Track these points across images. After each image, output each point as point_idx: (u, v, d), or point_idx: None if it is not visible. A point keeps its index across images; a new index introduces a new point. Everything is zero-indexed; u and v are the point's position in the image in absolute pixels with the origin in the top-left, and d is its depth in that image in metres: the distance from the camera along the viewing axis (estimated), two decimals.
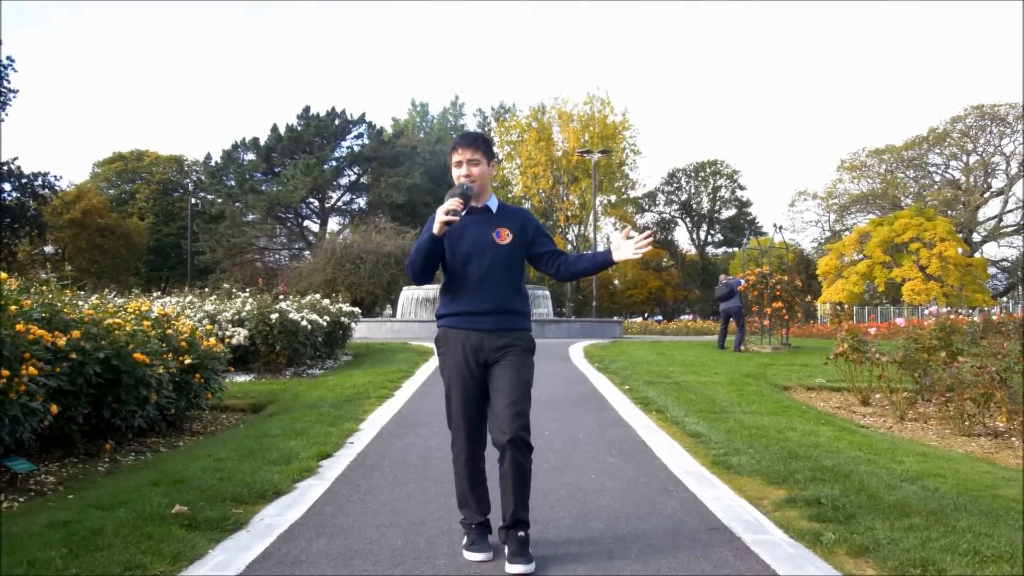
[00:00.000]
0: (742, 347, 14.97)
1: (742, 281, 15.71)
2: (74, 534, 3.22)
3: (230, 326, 10.55)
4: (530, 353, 3.25)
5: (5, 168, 31.53)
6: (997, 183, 44.21)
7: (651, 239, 3.11)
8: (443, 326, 3.26)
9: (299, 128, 42.15)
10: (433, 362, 12.27)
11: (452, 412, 3.24)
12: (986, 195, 44.33)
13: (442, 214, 3.04)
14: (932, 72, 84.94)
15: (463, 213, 3.08)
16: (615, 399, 8.15)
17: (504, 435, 3.04)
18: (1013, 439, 6.28)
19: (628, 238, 3.15)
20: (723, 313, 15.54)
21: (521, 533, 3.07)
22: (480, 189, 3.24)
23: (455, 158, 3.25)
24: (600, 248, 25.74)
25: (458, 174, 3.25)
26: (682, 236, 58.12)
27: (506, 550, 3.06)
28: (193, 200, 43.63)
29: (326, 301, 13.52)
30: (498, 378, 3.15)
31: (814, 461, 4.83)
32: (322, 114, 42.52)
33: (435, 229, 3.09)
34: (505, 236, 3.24)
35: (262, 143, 42.15)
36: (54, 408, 4.39)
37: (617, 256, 3.16)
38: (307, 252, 40.80)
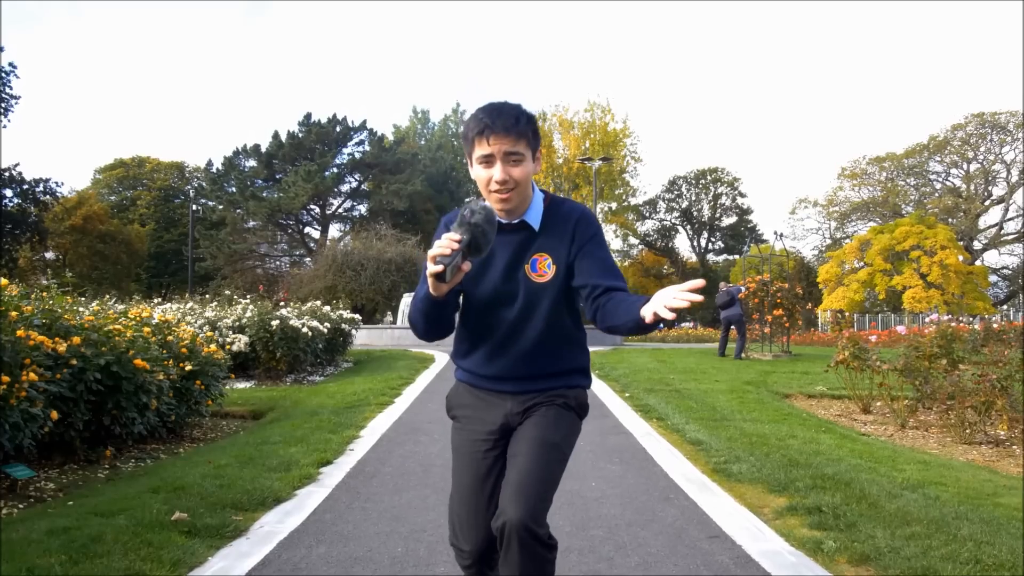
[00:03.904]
0: (743, 355, 14.97)
1: (743, 288, 15.73)
2: (74, 541, 3.21)
3: (231, 333, 10.56)
4: (569, 410, 2.13)
5: (6, 174, 31.67)
6: (998, 191, 44.30)
7: (693, 297, 1.67)
8: (459, 379, 2.23)
9: (300, 135, 42.31)
10: (434, 369, 12.25)
11: (452, 497, 2.14)
12: (987, 203, 44.39)
13: (431, 264, 1.79)
14: (932, 80, 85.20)
15: (468, 260, 1.80)
16: (616, 406, 8.14)
17: (504, 515, 1.89)
18: (1014, 447, 6.26)
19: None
20: (724, 321, 15.55)
21: None
22: (519, 198, 2.01)
23: (480, 151, 1.96)
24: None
25: (484, 178, 1.97)
26: (683, 243, 58.13)
27: None
28: (194, 207, 43.70)
29: (327, 308, 13.54)
30: (517, 439, 2.07)
31: (815, 469, 4.83)
32: (323, 121, 42.69)
33: (431, 289, 1.87)
34: (544, 269, 2.05)
35: (263, 150, 42.35)
36: (54, 414, 4.39)
37: (647, 310, 1.74)
38: (308, 259, 40.83)
